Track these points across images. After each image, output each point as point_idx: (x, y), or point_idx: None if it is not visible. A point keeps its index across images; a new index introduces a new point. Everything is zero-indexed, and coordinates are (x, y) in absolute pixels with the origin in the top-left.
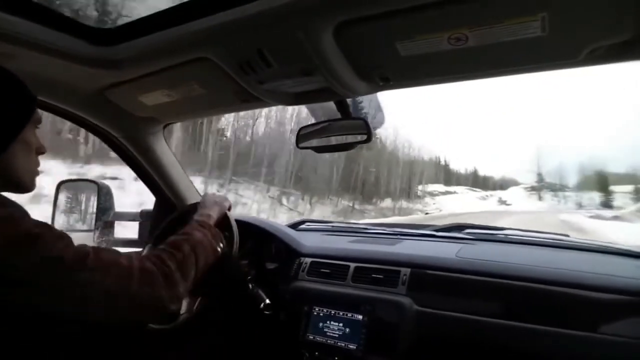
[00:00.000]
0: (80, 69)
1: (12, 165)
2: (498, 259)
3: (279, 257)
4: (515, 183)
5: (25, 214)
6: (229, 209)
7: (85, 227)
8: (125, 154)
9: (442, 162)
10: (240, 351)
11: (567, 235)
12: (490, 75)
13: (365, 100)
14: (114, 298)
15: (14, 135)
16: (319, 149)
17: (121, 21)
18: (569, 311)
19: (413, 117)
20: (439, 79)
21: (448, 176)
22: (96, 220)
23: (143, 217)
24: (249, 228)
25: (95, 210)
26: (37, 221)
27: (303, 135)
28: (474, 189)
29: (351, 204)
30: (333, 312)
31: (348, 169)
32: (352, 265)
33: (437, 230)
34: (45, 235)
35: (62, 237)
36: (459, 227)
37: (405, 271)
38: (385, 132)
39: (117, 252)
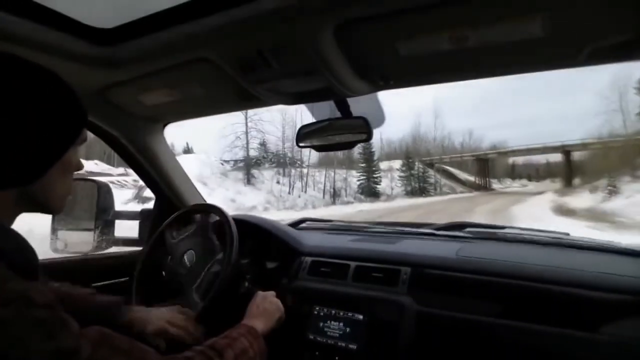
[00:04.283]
0: (81, 69)
1: (47, 188)
2: (499, 257)
3: (279, 257)
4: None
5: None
6: (278, 322)
7: (85, 227)
8: (125, 154)
9: None
10: None
11: (568, 234)
12: (490, 75)
13: (364, 100)
14: None
15: (57, 158)
16: (319, 148)
17: (121, 21)
18: (570, 310)
19: None
20: (439, 78)
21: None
22: (96, 220)
23: (143, 217)
24: (248, 227)
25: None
26: (21, 288)
27: (304, 134)
28: None
29: None
30: (334, 311)
31: None
32: (353, 264)
33: (437, 229)
34: (15, 321)
35: (42, 324)
36: (460, 226)
37: (406, 270)
38: None
39: (127, 350)
